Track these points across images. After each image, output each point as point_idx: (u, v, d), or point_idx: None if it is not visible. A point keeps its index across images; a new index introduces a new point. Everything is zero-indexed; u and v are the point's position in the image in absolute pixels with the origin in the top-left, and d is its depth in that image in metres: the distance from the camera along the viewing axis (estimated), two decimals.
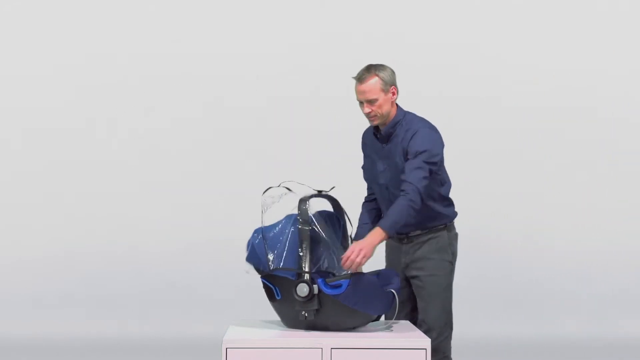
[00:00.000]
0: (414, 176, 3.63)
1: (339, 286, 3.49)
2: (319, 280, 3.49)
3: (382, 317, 3.76)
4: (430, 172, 3.69)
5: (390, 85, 3.79)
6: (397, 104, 3.86)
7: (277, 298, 3.57)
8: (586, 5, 7.16)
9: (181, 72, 7.09)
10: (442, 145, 3.80)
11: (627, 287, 7.03)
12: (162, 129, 7.07)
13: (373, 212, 4.05)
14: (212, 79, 7.09)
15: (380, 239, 3.58)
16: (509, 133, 7.09)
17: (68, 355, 6.31)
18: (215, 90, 7.08)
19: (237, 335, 3.45)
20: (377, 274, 3.68)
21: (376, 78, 3.76)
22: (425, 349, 3.37)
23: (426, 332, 3.79)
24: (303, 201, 3.59)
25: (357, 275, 3.51)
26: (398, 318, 3.84)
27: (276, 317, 3.74)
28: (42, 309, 6.87)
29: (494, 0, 7.16)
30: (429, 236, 3.86)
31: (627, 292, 7.02)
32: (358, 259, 3.49)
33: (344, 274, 3.52)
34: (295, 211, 3.59)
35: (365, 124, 3.98)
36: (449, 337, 3.89)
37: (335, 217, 3.76)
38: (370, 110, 3.77)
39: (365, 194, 4.13)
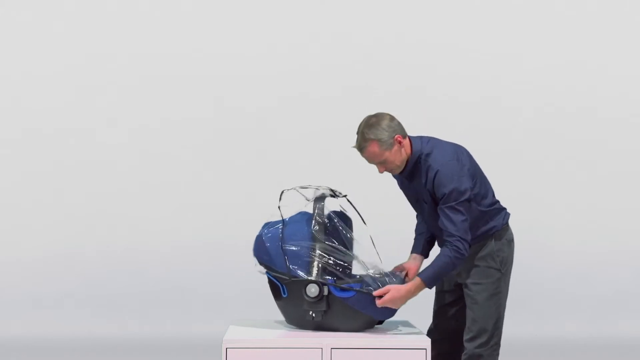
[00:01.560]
0: (453, 225, 3.54)
1: (350, 289, 3.49)
2: (330, 281, 3.48)
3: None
4: (468, 205, 3.59)
5: (391, 139, 3.55)
6: (410, 138, 3.65)
7: (284, 296, 3.55)
8: (586, 5, 7.16)
9: (181, 72, 7.08)
10: (466, 172, 3.64)
11: (627, 287, 7.03)
12: (162, 129, 7.07)
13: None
14: (212, 79, 7.09)
15: (418, 291, 3.54)
16: (509, 133, 7.09)
17: (68, 355, 6.31)
18: (215, 90, 7.08)
19: (237, 335, 3.45)
20: (387, 276, 3.65)
21: (374, 143, 3.54)
22: (425, 349, 3.37)
23: (472, 339, 3.72)
24: (319, 200, 3.59)
25: (367, 279, 3.52)
26: (436, 324, 3.85)
27: (277, 316, 3.74)
28: (42, 309, 6.86)
29: (494, 1, 7.16)
30: (476, 243, 3.74)
31: (627, 292, 7.02)
32: (386, 304, 3.49)
33: (355, 278, 3.53)
34: (304, 208, 3.61)
35: None
36: (495, 346, 3.75)
37: (346, 217, 3.75)
38: (384, 169, 3.63)
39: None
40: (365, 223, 3.79)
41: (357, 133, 3.60)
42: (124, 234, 6.98)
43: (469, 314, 3.75)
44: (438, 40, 7.10)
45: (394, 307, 3.52)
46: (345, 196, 3.68)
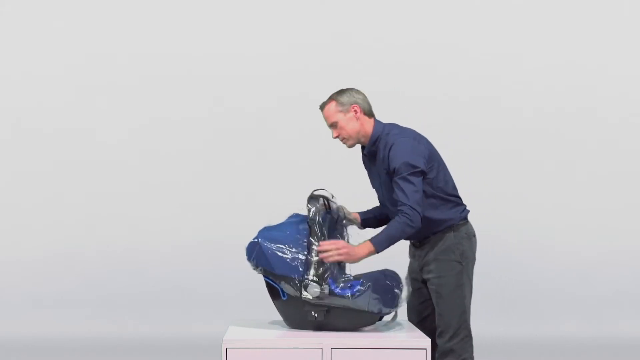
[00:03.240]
0: (404, 194, 3.62)
1: (350, 287, 3.50)
2: (329, 281, 3.49)
3: (385, 317, 3.75)
4: (420, 180, 3.67)
5: (349, 104, 3.77)
6: (376, 120, 3.82)
7: (283, 298, 3.56)
8: (586, 5, 7.17)
9: (181, 72, 7.09)
10: (422, 150, 3.74)
11: (627, 287, 7.03)
12: (162, 129, 7.07)
13: (383, 214, 3.97)
14: (212, 79, 7.09)
15: (367, 252, 3.58)
16: (509, 133, 7.10)
17: (68, 355, 6.31)
18: (215, 90, 7.08)
19: (237, 335, 3.45)
20: (383, 273, 3.67)
21: (333, 102, 3.78)
22: (425, 349, 3.37)
23: (441, 334, 3.77)
24: (313, 201, 3.59)
25: (367, 276, 3.52)
26: (411, 321, 3.88)
27: (276, 317, 3.74)
28: (42, 309, 6.87)
29: (494, 1, 7.16)
30: (436, 238, 3.83)
31: (627, 292, 7.02)
32: (334, 257, 3.52)
33: (355, 275, 3.53)
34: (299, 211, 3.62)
35: None
36: (466, 339, 3.81)
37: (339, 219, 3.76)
38: (336, 134, 3.80)
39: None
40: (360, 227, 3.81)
41: None
42: (124, 234, 6.99)
43: (436, 310, 3.83)
44: (438, 40, 7.11)
45: (340, 257, 3.53)
46: (339, 215, 3.72)
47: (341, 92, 3.81)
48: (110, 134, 7.08)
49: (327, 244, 3.53)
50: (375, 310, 3.55)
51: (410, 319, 3.96)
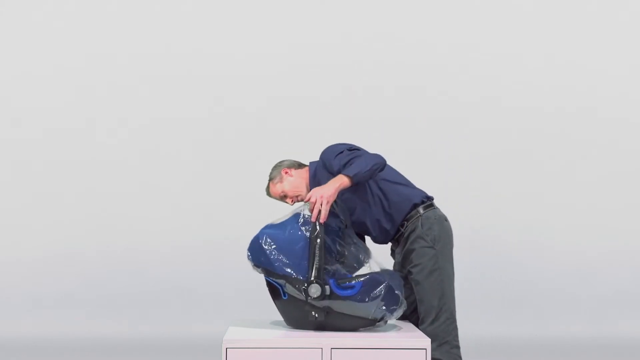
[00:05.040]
0: (353, 156, 3.78)
1: (352, 287, 3.49)
2: (331, 281, 3.49)
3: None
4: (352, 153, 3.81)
5: (279, 174, 4.05)
6: (308, 164, 4.04)
7: (283, 298, 3.56)
8: (586, 5, 7.16)
9: (181, 72, 7.09)
10: (342, 144, 3.90)
11: (627, 287, 7.03)
12: (162, 129, 7.07)
13: None
14: (212, 79, 7.09)
15: (339, 181, 3.64)
16: (509, 133, 7.09)
17: (68, 355, 6.31)
18: (215, 90, 7.08)
19: (237, 335, 3.45)
20: (389, 274, 3.66)
21: (270, 184, 4.07)
22: (425, 349, 3.36)
23: (422, 320, 3.80)
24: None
25: (369, 277, 3.52)
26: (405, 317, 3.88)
27: (276, 317, 3.74)
28: (42, 309, 6.87)
29: (495, 1, 7.16)
30: (408, 231, 3.88)
31: (627, 292, 7.02)
32: (319, 204, 3.54)
33: (356, 275, 3.53)
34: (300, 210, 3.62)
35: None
36: (447, 322, 3.82)
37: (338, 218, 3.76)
38: (291, 200, 4.02)
39: None
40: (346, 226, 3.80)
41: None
42: (124, 234, 6.98)
43: (417, 298, 3.85)
44: (438, 40, 7.10)
45: (327, 199, 3.55)
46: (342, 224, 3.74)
47: (270, 172, 4.12)
48: (110, 133, 7.07)
49: (312, 203, 3.57)
50: (379, 317, 3.55)
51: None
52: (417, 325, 3.82)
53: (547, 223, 7.08)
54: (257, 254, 3.59)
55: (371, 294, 3.51)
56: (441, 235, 3.88)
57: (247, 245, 3.63)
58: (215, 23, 7.11)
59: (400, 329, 3.69)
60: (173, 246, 6.99)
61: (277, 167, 4.09)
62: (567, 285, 7.03)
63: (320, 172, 3.91)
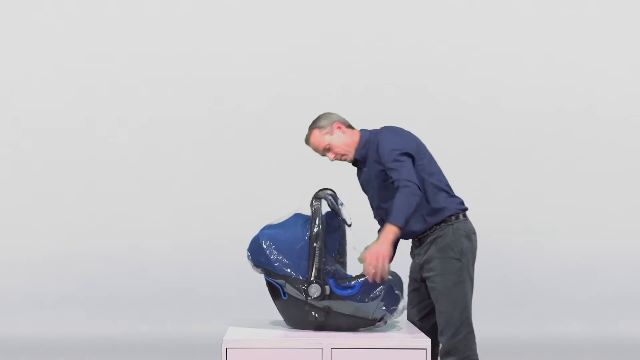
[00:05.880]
0: (398, 171, 3.66)
1: (352, 287, 3.49)
2: (331, 281, 3.49)
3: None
4: (410, 160, 3.72)
5: (330, 125, 3.89)
6: (360, 130, 3.91)
7: (283, 298, 3.56)
8: (586, 5, 7.17)
9: (181, 72, 7.09)
10: (409, 138, 3.82)
11: (627, 287, 7.03)
12: (162, 129, 7.07)
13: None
14: (212, 78, 7.09)
15: (392, 234, 3.53)
16: (509, 133, 7.10)
17: (68, 355, 6.31)
18: (215, 90, 7.08)
19: (237, 335, 3.45)
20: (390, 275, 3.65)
21: (314, 131, 3.91)
22: (425, 349, 3.37)
23: (442, 332, 3.76)
24: (317, 200, 3.59)
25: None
26: (412, 322, 3.87)
27: (276, 316, 3.74)
28: (42, 309, 6.87)
29: (495, 1, 7.16)
30: (435, 235, 3.82)
31: (627, 292, 7.02)
32: (379, 265, 3.47)
33: (356, 275, 3.53)
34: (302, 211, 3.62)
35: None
36: (468, 335, 3.78)
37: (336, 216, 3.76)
38: (333, 156, 3.89)
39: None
40: (349, 225, 3.79)
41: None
42: (124, 234, 6.98)
43: (436, 307, 3.81)
44: (438, 40, 7.10)
45: (384, 257, 3.49)
46: (345, 222, 3.72)
47: (317, 119, 3.93)
48: (110, 133, 7.07)
49: (366, 271, 3.48)
50: (379, 317, 3.55)
51: (409, 318, 3.95)
52: (428, 333, 3.79)
53: (547, 223, 7.08)
54: (257, 254, 3.59)
55: (371, 294, 3.51)
56: (469, 249, 3.85)
57: (247, 245, 3.63)
58: (215, 23, 7.11)
59: (400, 329, 3.69)
60: (173, 246, 6.99)
61: (327, 117, 3.92)
62: (567, 285, 7.03)
63: (371, 147, 3.82)
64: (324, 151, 3.90)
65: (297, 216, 3.66)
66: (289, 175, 6.96)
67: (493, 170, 7.06)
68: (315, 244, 3.51)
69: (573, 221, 7.07)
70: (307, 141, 3.94)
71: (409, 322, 3.89)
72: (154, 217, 7.01)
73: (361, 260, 3.51)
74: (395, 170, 3.66)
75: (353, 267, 3.68)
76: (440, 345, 3.79)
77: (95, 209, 7.02)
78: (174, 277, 6.96)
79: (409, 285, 3.94)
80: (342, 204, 3.75)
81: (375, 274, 3.47)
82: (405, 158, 3.70)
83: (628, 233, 7.08)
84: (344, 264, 3.68)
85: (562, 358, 6.37)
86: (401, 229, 3.54)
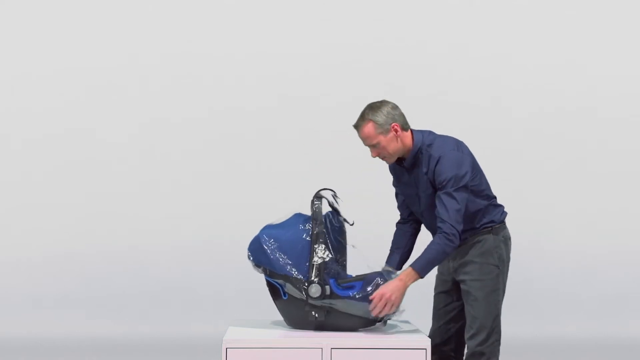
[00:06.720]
0: (446, 211, 3.56)
1: (352, 287, 3.49)
2: (331, 281, 3.49)
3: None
4: (465, 194, 3.63)
5: (388, 124, 3.63)
6: (412, 131, 3.73)
7: (284, 297, 3.55)
8: (586, 5, 7.16)
9: (181, 72, 7.08)
10: (467, 162, 3.71)
11: (627, 288, 7.03)
12: (162, 129, 7.07)
13: (407, 235, 3.93)
14: (214, 79, 7.09)
15: (412, 280, 3.51)
16: (509, 133, 7.09)
17: (68, 355, 6.31)
18: (217, 90, 7.08)
19: (237, 335, 3.44)
20: (387, 272, 3.65)
21: (370, 124, 3.62)
22: (425, 349, 3.36)
23: (472, 336, 3.73)
24: (317, 199, 3.58)
25: (369, 277, 3.51)
26: (437, 327, 3.87)
27: (276, 316, 3.73)
28: (42, 309, 6.86)
29: (495, 1, 7.16)
30: (475, 239, 3.77)
31: (627, 292, 7.02)
32: (386, 309, 3.47)
33: (357, 275, 3.53)
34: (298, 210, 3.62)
35: None
36: (496, 343, 3.76)
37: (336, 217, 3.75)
38: (376, 153, 3.68)
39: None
40: (350, 224, 3.77)
41: (358, 117, 3.68)
42: (124, 234, 6.98)
43: (468, 311, 3.76)
44: (438, 41, 7.10)
45: (393, 303, 3.48)
46: (347, 221, 3.71)
47: (376, 110, 3.65)
48: (110, 133, 7.07)
49: (372, 305, 3.47)
50: (379, 317, 3.55)
51: (435, 317, 3.91)
52: (455, 335, 3.78)
53: (547, 223, 7.08)
54: (257, 254, 3.58)
55: (371, 294, 3.51)
56: (506, 256, 3.82)
57: (247, 245, 3.62)
58: (216, 23, 7.11)
59: (400, 329, 3.69)
60: (173, 246, 6.99)
61: (388, 112, 3.63)
62: (567, 285, 7.03)
63: (422, 159, 3.66)
64: (368, 145, 3.66)
65: (298, 216, 3.66)
66: (289, 175, 6.96)
67: (493, 170, 7.01)
68: (316, 244, 3.51)
69: (573, 221, 7.07)
70: (357, 127, 3.65)
71: (408, 322, 3.87)
72: (154, 217, 7.01)
73: (372, 298, 3.48)
74: (444, 208, 3.57)
75: (353, 267, 3.67)
76: (467, 348, 3.77)
77: (95, 209, 7.02)
78: (174, 277, 6.96)
79: (437, 287, 3.90)
80: (341, 202, 3.75)
81: (378, 314, 3.48)
82: (459, 195, 3.60)
83: (628, 233, 7.08)
84: (344, 264, 3.67)
85: (562, 358, 6.37)
86: (421, 276, 3.53)
